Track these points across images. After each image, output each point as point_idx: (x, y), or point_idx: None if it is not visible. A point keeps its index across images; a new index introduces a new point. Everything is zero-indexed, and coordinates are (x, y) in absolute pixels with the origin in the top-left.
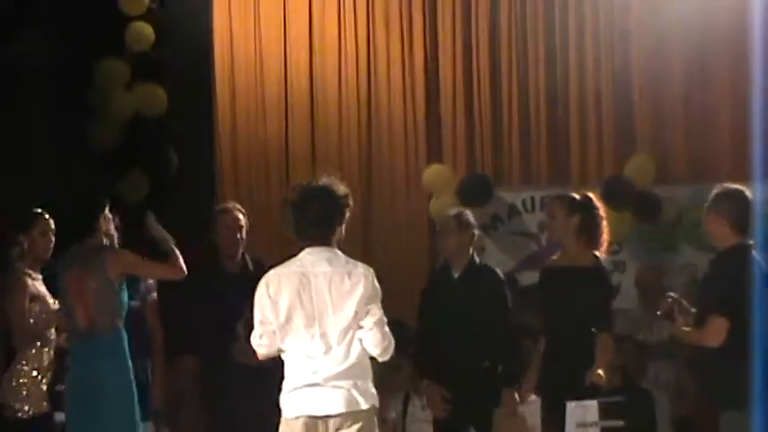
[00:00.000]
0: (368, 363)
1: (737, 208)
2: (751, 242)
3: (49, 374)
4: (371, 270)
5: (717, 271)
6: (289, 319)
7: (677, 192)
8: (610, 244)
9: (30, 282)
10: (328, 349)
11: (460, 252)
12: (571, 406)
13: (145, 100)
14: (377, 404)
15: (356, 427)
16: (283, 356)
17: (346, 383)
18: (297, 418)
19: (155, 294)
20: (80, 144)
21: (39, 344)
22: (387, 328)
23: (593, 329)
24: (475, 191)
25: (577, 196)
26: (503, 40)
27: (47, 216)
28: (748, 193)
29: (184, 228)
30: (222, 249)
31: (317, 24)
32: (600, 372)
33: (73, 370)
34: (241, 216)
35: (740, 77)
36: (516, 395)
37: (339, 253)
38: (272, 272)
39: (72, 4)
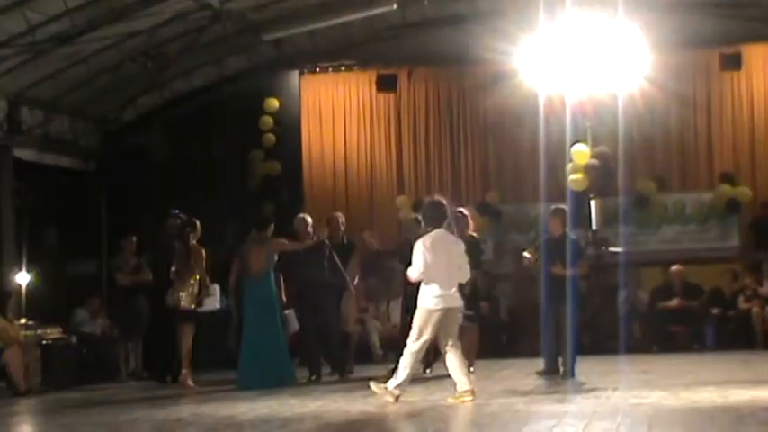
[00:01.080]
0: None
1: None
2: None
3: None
4: (461, 241)
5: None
6: (433, 259)
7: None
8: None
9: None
10: (450, 275)
11: (411, 233)
12: None
13: (270, 168)
14: None
15: (458, 314)
16: (426, 279)
17: (456, 292)
18: (438, 309)
19: None
20: (243, 187)
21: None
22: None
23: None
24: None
25: (465, 211)
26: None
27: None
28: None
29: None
30: (331, 233)
31: (352, 134)
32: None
33: (247, 291)
34: (342, 219)
35: None
36: None
37: (447, 232)
38: (424, 237)
39: (236, 127)
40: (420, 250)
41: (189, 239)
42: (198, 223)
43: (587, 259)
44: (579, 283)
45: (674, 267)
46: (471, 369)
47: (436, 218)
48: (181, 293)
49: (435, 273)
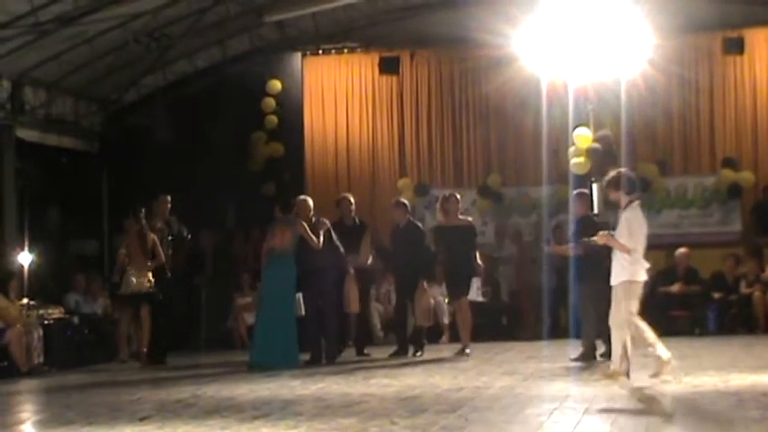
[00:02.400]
0: None
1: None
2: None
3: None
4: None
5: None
6: (639, 232)
7: None
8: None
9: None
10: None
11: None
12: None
13: (273, 150)
14: None
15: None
16: (634, 249)
17: None
18: (642, 280)
19: None
20: (245, 169)
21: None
22: None
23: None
24: (419, 189)
25: (458, 195)
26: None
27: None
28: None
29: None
30: (342, 214)
31: (354, 117)
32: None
33: (269, 267)
34: (352, 200)
35: None
36: (425, 283)
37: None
38: (633, 210)
39: (238, 109)
40: (635, 222)
41: (140, 221)
42: (142, 210)
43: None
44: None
45: (681, 250)
46: (467, 351)
47: (637, 188)
48: (133, 277)
49: (641, 245)
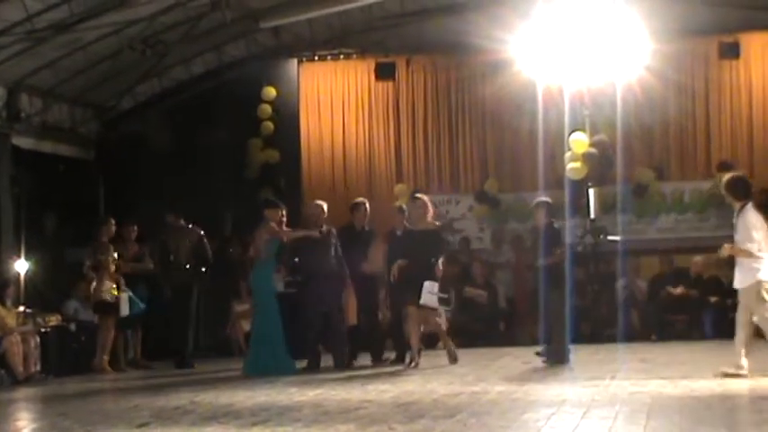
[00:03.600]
0: None
1: None
2: None
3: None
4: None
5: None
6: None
7: None
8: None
9: None
10: None
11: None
12: (426, 283)
13: (269, 156)
14: None
15: None
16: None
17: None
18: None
19: None
20: (241, 175)
21: None
22: None
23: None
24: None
25: (427, 198)
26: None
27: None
28: None
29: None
30: (357, 219)
31: (350, 123)
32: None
33: (253, 277)
34: (368, 206)
35: None
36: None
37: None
38: (753, 212)
39: (234, 115)
40: (758, 225)
41: (100, 236)
42: (110, 220)
43: (561, 247)
44: (566, 271)
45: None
46: (414, 363)
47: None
48: (96, 289)
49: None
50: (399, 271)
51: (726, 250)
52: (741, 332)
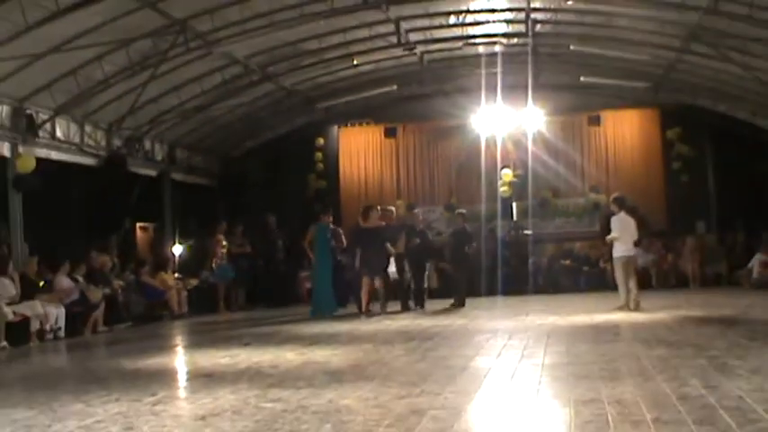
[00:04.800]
0: None
1: None
2: None
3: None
4: None
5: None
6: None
7: None
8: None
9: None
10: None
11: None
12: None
13: (319, 185)
14: None
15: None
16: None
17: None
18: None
19: None
20: (303, 197)
21: None
22: None
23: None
24: (409, 206)
25: (379, 207)
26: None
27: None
28: None
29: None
30: (386, 218)
31: (369, 164)
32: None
33: (316, 249)
34: (394, 210)
35: None
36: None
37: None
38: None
39: (300, 159)
40: (621, 225)
41: (217, 232)
42: (223, 223)
43: (472, 242)
44: (468, 256)
45: (578, 244)
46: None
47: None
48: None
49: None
50: (362, 255)
51: (609, 238)
52: (620, 286)
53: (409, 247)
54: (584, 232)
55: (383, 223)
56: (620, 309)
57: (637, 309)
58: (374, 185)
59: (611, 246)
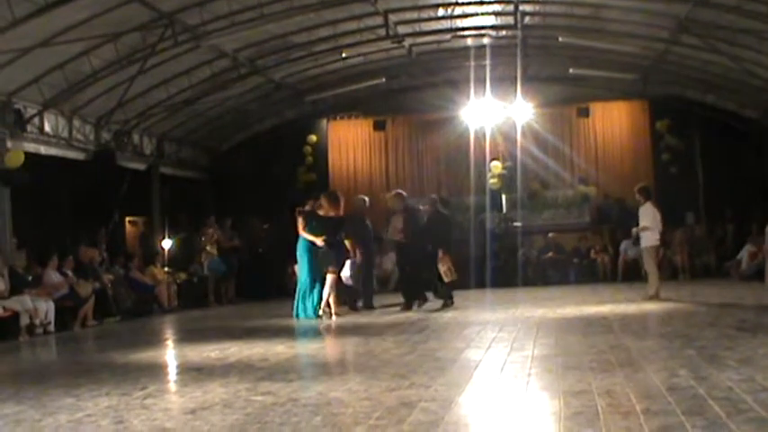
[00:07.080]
0: None
1: None
2: None
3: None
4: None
5: None
6: None
7: None
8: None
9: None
10: None
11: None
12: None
13: (309, 178)
14: None
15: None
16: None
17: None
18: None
19: None
20: (293, 190)
21: None
22: None
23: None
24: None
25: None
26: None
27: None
28: None
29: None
30: (349, 208)
31: (358, 157)
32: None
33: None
34: (367, 200)
35: None
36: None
37: None
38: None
39: (289, 152)
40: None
41: (206, 227)
42: (212, 218)
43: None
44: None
45: (550, 235)
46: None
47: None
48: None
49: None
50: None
51: (639, 228)
52: (652, 275)
53: (415, 233)
54: (574, 224)
55: (332, 213)
56: (651, 298)
57: (654, 298)
58: (363, 178)
59: (636, 236)
